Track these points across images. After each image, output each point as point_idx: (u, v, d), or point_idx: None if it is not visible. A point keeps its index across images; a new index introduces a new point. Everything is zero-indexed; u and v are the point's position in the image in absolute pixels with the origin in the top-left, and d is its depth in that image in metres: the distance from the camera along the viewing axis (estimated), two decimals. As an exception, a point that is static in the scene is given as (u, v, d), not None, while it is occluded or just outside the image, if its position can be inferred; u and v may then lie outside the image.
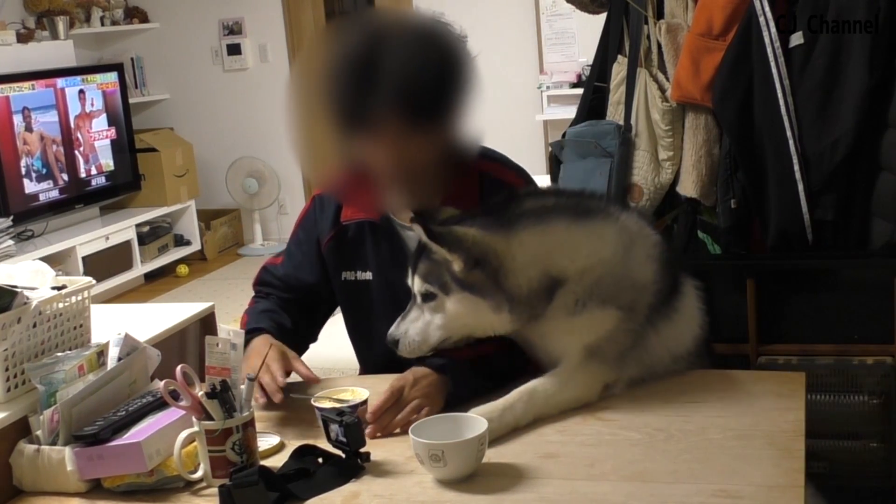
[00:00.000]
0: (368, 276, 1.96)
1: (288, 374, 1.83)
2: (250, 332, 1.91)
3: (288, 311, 2.02)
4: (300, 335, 2.02)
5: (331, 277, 2.00)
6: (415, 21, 1.82)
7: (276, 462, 1.63)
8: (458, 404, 1.72)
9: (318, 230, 2.00)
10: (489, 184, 1.94)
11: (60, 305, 1.84)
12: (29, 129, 5.78)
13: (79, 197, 6.15)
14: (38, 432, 1.67)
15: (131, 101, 6.76)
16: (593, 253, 1.76)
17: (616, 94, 2.74)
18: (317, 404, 1.73)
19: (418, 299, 1.77)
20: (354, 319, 2.06)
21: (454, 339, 1.79)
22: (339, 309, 2.10)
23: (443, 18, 1.82)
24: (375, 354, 1.99)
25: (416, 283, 1.77)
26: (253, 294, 2.11)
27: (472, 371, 1.80)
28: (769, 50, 2.34)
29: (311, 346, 2.09)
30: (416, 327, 1.77)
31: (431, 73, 1.74)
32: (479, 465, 1.53)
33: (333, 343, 2.20)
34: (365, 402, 1.73)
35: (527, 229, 1.74)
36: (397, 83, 1.70)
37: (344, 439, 1.59)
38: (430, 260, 1.74)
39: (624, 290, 1.77)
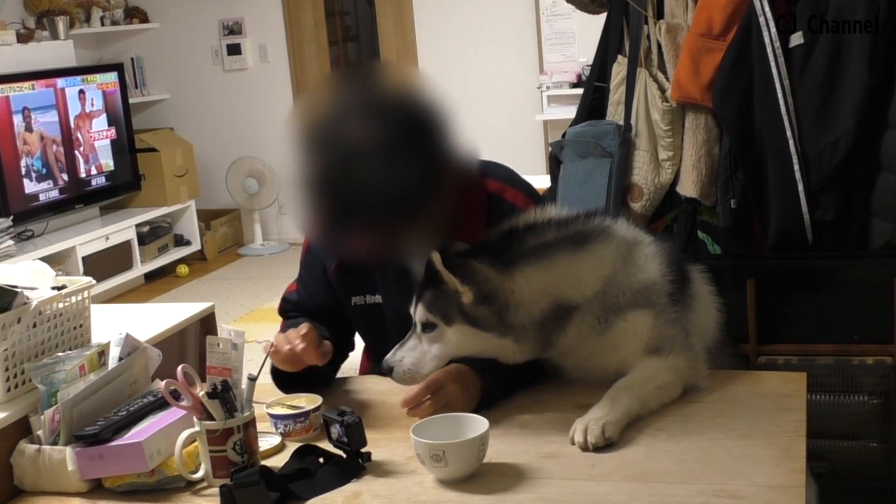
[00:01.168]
0: (378, 299, 1.95)
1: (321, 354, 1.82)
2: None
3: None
4: (338, 343, 1.99)
5: (341, 302, 1.99)
6: (385, 118, 1.66)
7: (277, 462, 1.63)
8: (488, 406, 1.75)
9: (323, 256, 1.98)
10: (497, 204, 1.91)
11: (60, 305, 1.84)
12: (29, 129, 5.78)
13: (79, 197, 6.15)
14: (39, 432, 1.67)
15: (131, 101, 6.75)
16: (597, 277, 1.78)
17: (616, 94, 2.74)
18: (270, 411, 1.75)
19: (418, 328, 1.77)
20: (370, 340, 2.06)
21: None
22: None
23: (412, 91, 1.72)
24: None
25: (418, 312, 1.76)
26: (281, 322, 2.08)
27: (506, 375, 1.80)
28: (769, 50, 2.35)
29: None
30: (413, 356, 1.77)
31: (412, 176, 1.64)
32: (481, 465, 1.54)
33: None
34: (318, 408, 1.74)
35: (531, 267, 1.75)
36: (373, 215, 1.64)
37: (345, 439, 1.59)
38: (437, 290, 1.74)
39: (638, 293, 1.77)
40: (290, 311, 2.06)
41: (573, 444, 1.61)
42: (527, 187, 1.99)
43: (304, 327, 1.81)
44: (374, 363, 2.06)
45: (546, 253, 1.78)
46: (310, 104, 1.76)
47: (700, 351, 1.81)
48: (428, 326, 1.76)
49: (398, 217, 1.66)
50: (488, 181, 1.93)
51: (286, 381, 1.88)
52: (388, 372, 1.79)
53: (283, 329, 2.00)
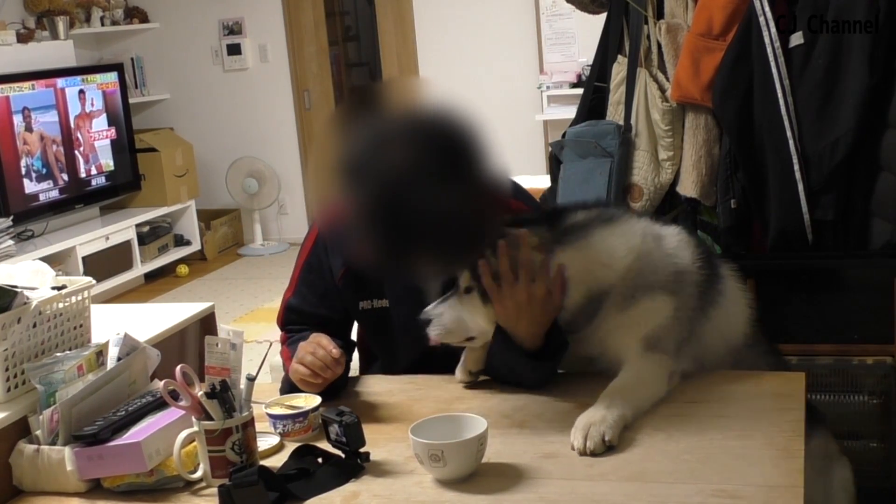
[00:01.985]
0: (385, 303, 1.95)
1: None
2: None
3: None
4: (349, 351, 2.00)
5: (349, 307, 1.98)
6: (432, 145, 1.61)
7: (276, 462, 1.63)
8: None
9: (330, 262, 1.97)
10: None
11: (60, 305, 1.84)
12: (29, 129, 5.78)
13: (79, 197, 6.15)
14: (38, 432, 1.67)
15: (131, 101, 6.75)
16: (628, 250, 1.78)
17: (616, 94, 2.74)
18: (268, 411, 1.74)
19: (461, 289, 1.78)
20: (378, 343, 2.05)
21: (478, 342, 1.81)
22: None
23: (447, 113, 1.66)
24: (397, 373, 1.99)
25: (464, 276, 1.77)
26: (281, 334, 2.06)
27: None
28: (769, 50, 2.35)
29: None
30: (452, 315, 1.78)
31: (462, 198, 1.62)
32: (479, 465, 1.53)
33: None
34: (317, 408, 1.74)
35: (564, 253, 1.75)
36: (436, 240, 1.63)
37: (343, 439, 1.59)
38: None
39: (668, 275, 1.77)
40: (294, 321, 2.03)
41: (572, 448, 1.60)
42: (530, 199, 2.02)
43: (334, 348, 1.79)
44: (383, 360, 2.06)
45: (576, 237, 1.78)
46: (332, 139, 1.73)
47: (691, 352, 1.79)
48: (469, 290, 1.77)
49: (454, 235, 1.64)
50: (514, 200, 1.93)
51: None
52: (424, 323, 1.78)
53: (286, 342, 1.99)
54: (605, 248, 1.78)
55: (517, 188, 1.98)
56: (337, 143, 1.71)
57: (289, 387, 1.86)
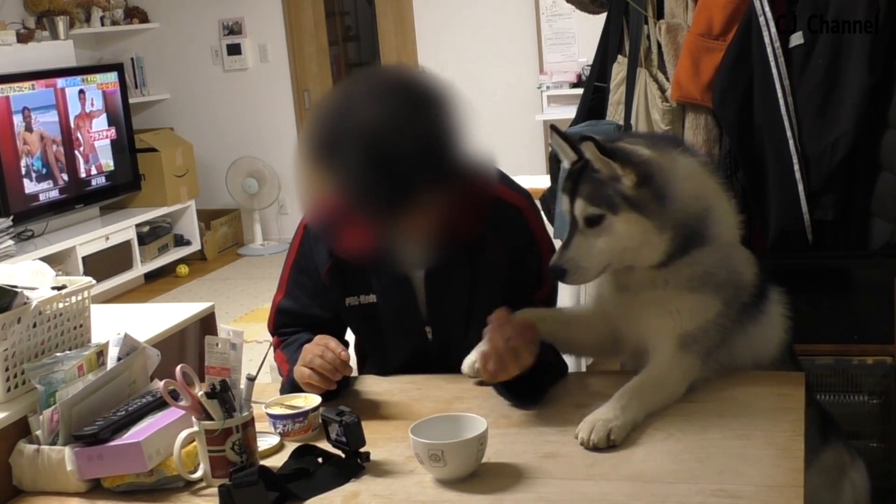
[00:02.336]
0: (373, 298, 1.92)
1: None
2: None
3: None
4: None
5: (335, 305, 1.97)
6: (408, 95, 1.67)
7: (276, 462, 1.63)
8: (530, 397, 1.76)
9: (315, 261, 1.95)
10: (496, 205, 1.89)
11: (60, 305, 1.84)
12: (29, 129, 5.78)
13: (79, 197, 6.15)
14: (38, 432, 1.67)
15: (131, 101, 6.76)
16: (734, 228, 1.79)
17: (616, 94, 2.74)
18: (269, 411, 1.74)
19: (580, 224, 1.71)
20: (366, 340, 2.05)
21: (615, 265, 1.76)
22: None
23: (429, 76, 1.73)
24: (391, 371, 1.98)
25: (579, 207, 1.71)
26: (273, 338, 2.05)
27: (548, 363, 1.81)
28: (769, 50, 2.34)
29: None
30: (583, 254, 1.71)
31: (441, 150, 1.66)
32: (479, 464, 1.53)
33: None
34: (317, 408, 1.74)
35: (691, 158, 1.75)
36: (419, 177, 1.63)
37: (344, 439, 1.59)
38: (593, 181, 1.69)
39: (731, 282, 1.77)
40: (286, 323, 2.02)
41: (576, 438, 1.61)
42: (525, 192, 1.98)
43: (342, 350, 1.78)
44: (372, 359, 2.06)
45: (705, 165, 1.78)
46: (321, 108, 1.75)
47: (717, 362, 1.79)
48: (592, 220, 1.70)
49: (437, 189, 1.67)
50: (500, 186, 1.92)
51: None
52: (558, 275, 1.73)
53: (280, 346, 1.99)
54: (725, 205, 1.79)
55: (504, 176, 1.96)
56: (316, 113, 1.75)
57: (290, 388, 1.86)
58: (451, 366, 1.90)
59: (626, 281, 1.79)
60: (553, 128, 1.79)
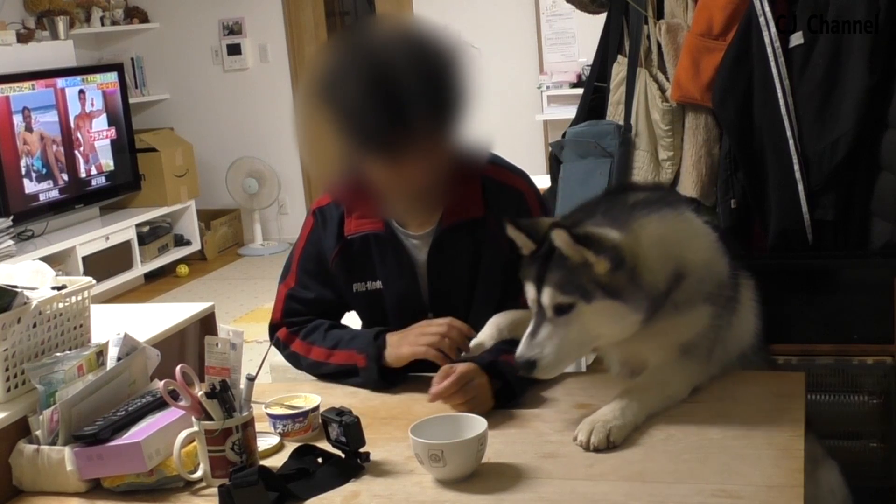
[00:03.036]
0: (378, 285, 1.95)
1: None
2: (377, 337, 1.90)
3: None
4: None
5: (343, 291, 1.98)
6: (415, 35, 1.77)
7: (276, 462, 1.63)
8: (506, 402, 1.77)
9: (324, 248, 1.98)
10: (491, 185, 1.93)
11: (60, 305, 1.84)
12: (29, 129, 5.78)
13: (79, 197, 6.15)
14: (38, 432, 1.67)
15: (131, 101, 6.76)
16: (708, 246, 1.77)
17: (616, 94, 2.75)
18: (269, 411, 1.74)
19: (548, 313, 1.64)
20: (370, 327, 2.04)
21: (586, 352, 1.77)
22: None
23: (438, 26, 1.80)
24: None
25: (547, 296, 1.63)
26: (281, 330, 2.03)
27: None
28: (769, 50, 2.35)
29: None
30: (553, 344, 1.63)
31: (445, 84, 1.72)
32: (479, 464, 1.53)
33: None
34: (317, 408, 1.73)
35: (651, 223, 1.70)
36: (422, 109, 1.67)
37: (343, 439, 1.59)
38: (563, 268, 1.63)
39: (715, 286, 1.76)
40: (297, 311, 2.02)
41: (575, 440, 1.60)
42: (522, 174, 2.00)
43: (460, 322, 1.84)
44: None
45: (652, 207, 1.74)
46: (323, 56, 1.83)
47: (717, 360, 1.79)
48: (562, 309, 1.63)
49: (435, 129, 1.71)
50: (488, 167, 1.94)
51: (390, 376, 1.90)
52: (527, 367, 1.64)
53: (300, 335, 1.98)
54: (690, 232, 1.77)
55: (506, 161, 1.99)
56: (319, 55, 1.85)
57: (340, 373, 1.90)
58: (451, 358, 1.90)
59: None
60: (510, 221, 1.72)
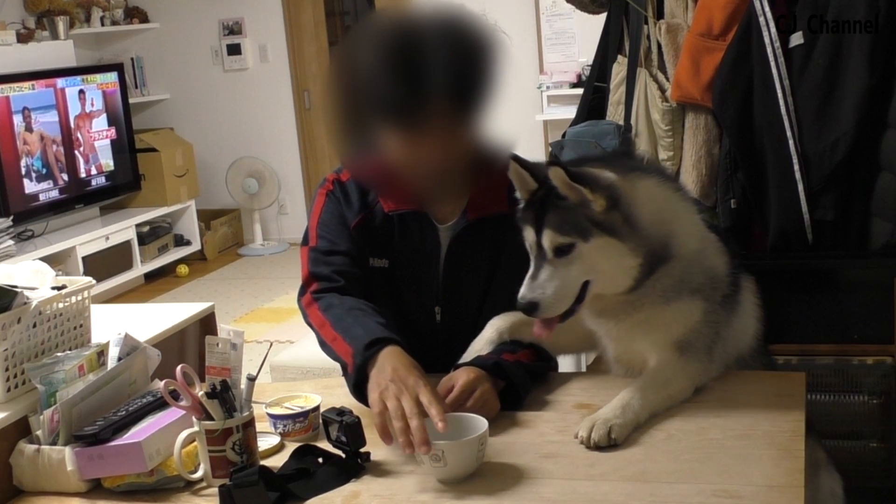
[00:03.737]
0: (385, 263, 1.93)
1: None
2: (371, 346, 1.71)
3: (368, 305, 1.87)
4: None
5: (361, 261, 1.94)
6: (448, 11, 1.76)
7: (276, 462, 1.63)
8: (511, 403, 1.75)
9: (344, 213, 1.93)
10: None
11: (60, 305, 1.84)
12: (29, 129, 5.78)
13: (79, 197, 6.15)
14: (39, 432, 1.67)
15: (131, 101, 6.76)
16: (702, 237, 1.77)
17: (616, 94, 2.75)
18: (269, 411, 1.74)
19: (549, 255, 1.66)
20: (380, 305, 2.03)
21: (587, 295, 1.72)
22: None
23: (474, 10, 1.80)
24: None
25: (548, 238, 1.65)
26: (305, 295, 1.90)
27: (524, 371, 1.79)
28: (769, 50, 2.35)
29: (301, 346, 2.06)
30: (554, 285, 1.65)
31: (473, 64, 1.74)
32: (480, 464, 1.53)
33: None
34: (317, 408, 1.73)
35: (650, 181, 1.72)
36: (444, 82, 1.68)
37: (344, 439, 1.59)
38: (560, 208, 1.65)
39: (707, 281, 1.76)
40: (323, 261, 1.91)
41: (576, 437, 1.61)
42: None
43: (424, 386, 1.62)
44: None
45: (660, 175, 1.75)
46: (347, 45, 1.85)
47: (718, 358, 1.79)
48: (563, 250, 1.64)
49: (463, 105, 1.72)
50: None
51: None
52: (530, 308, 1.66)
53: (322, 308, 1.85)
54: (686, 217, 1.76)
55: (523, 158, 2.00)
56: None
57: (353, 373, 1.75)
58: (453, 358, 1.88)
59: (601, 308, 1.77)
60: (514, 157, 1.74)
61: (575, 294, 1.69)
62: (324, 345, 1.87)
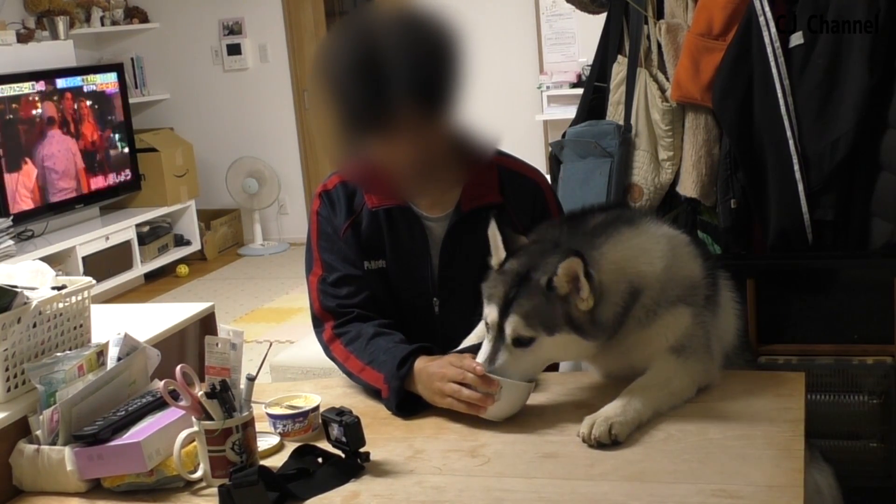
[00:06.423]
0: (381, 264, 1.95)
1: None
2: (401, 366, 1.78)
3: (389, 328, 1.93)
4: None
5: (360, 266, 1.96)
6: (407, 14, 1.81)
7: (276, 462, 1.63)
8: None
9: (335, 226, 1.96)
10: (507, 175, 1.97)
11: (60, 305, 1.84)
12: (29, 129, 5.78)
13: (79, 197, 6.15)
14: (38, 432, 1.67)
15: (131, 101, 6.76)
16: (663, 255, 1.75)
17: (616, 94, 2.74)
18: (269, 411, 1.74)
19: (507, 341, 1.66)
20: (382, 306, 2.04)
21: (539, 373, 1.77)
22: None
23: (435, 6, 1.84)
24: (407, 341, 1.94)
25: (511, 325, 1.65)
26: (325, 331, 1.95)
27: None
28: (769, 50, 2.34)
29: (301, 346, 2.07)
30: (512, 373, 1.67)
31: (432, 63, 1.76)
32: (518, 411, 1.68)
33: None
34: (317, 408, 1.74)
35: (608, 248, 1.70)
36: (406, 84, 1.71)
37: (344, 439, 1.59)
38: (536, 297, 1.64)
39: (685, 288, 1.76)
40: (333, 294, 1.94)
41: (578, 435, 1.61)
42: (534, 168, 2.05)
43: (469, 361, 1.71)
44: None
45: (608, 230, 1.74)
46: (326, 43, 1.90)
47: (718, 355, 1.80)
48: (522, 342, 1.66)
49: (425, 103, 1.74)
50: (498, 157, 2.00)
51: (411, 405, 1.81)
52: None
53: (343, 342, 1.91)
54: (643, 246, 1.75)
55: (518, 158, 2.04)
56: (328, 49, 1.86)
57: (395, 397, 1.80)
58: (452, 349, 1.88)
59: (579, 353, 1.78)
60: (495, 215, 1.74)
61: (537, 374, 1.75)
62: (350, 375, 1.92)
